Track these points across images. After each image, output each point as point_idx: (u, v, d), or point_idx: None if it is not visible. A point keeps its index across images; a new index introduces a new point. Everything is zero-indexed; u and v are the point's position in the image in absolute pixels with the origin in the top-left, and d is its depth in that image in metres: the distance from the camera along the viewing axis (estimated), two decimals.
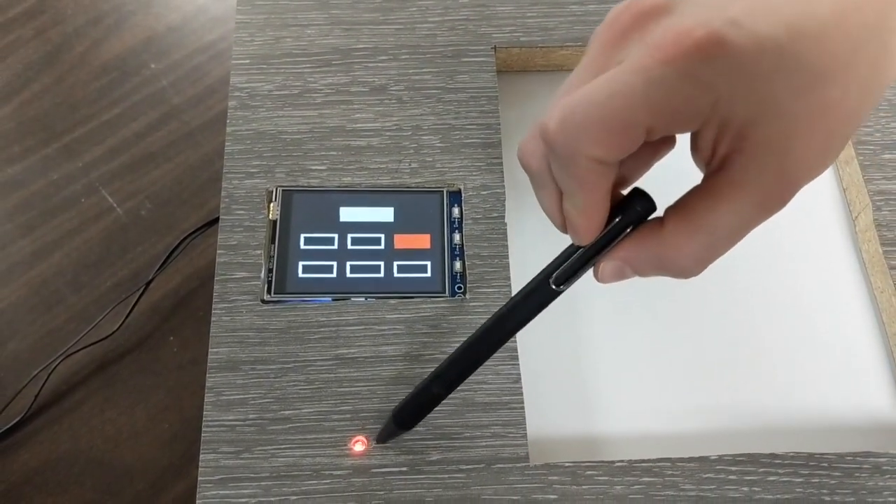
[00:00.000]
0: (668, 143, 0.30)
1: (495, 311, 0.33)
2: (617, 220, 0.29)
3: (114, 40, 0.69)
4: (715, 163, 0.28)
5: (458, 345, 0.39)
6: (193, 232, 0.59)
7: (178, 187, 0.63)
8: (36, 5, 0.71)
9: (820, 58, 0.25)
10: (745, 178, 0.27)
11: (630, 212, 0.29)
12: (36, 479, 0.52)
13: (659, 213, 0.29)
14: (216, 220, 0.51)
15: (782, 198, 0.28)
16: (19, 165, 0.63)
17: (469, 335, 0.34)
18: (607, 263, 0.30)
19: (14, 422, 0.53)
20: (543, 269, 0.32)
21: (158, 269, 0.57)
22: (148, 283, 0.57)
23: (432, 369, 0.36)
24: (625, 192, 0.30)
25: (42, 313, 0.58)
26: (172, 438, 0.54)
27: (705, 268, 0.29)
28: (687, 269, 0.29)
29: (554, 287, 0.31)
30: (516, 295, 0.32)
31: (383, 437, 0.38)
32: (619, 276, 0.30)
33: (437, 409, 0.38)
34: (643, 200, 0.29)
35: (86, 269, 0.60)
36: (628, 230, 0.29)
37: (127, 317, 0.56)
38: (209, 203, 0.61)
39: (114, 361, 0.56)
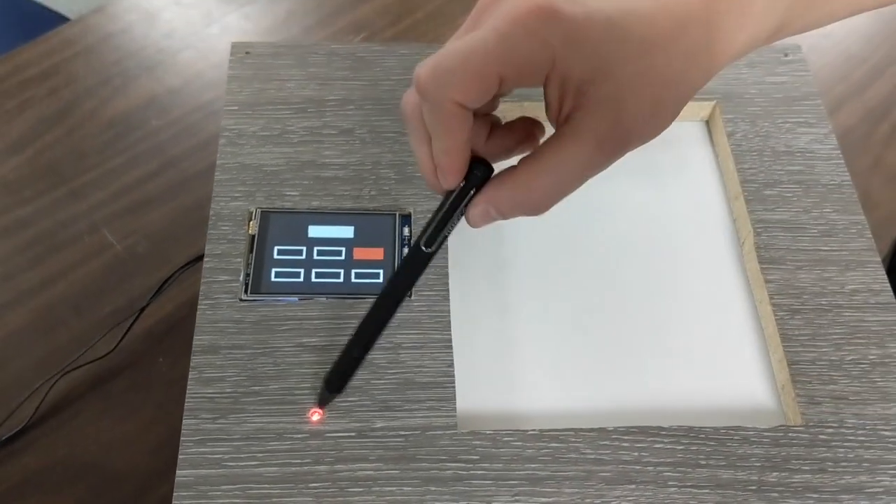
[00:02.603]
0: (529, 139, 0.37)
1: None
2: (462, 184, 0.36)
3: (120, 99, 0.77)
4: (562, 118, 0.34)
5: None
6: (185, 265, 0.66)
7: (172, 227, 0.69)
8: (51, 67, 0.79)
9: (646, 31, 0.32)
10: (584, 127, 0.33)
11: (472, 176, 0.36)
12: (34, 480, 0.57)
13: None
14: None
15: (616, 147, 0.33)
16: (31, 207, 0.70)
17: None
18: (474, 207, 0.36)
19: (17, 429, 0.58)
20: (416, 239, 0.39)
21: (152, 297, 0.63)
22: (142, 309, 0.63)
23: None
24: None
25: (45, 335, 0.63)
26: (159, 447, 0.58)
27: (553, 204, 0.35)
28: (537, 203, 0.35)
29: (425, 249, 0.38)
30: (400, 263, 0.39)
31: (321, 400, 0.45)
32: (486, 217, 0.37)
33: (381, 385, 0.46)
34: (482, 166, 0.36)
35: (86, 298, 0.65)
36: (472, 192, 0.36)
37: (122, 339, 0.62)
38: (200, 241, 0.66)
39: (109, 379, 0.61)
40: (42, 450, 0.59)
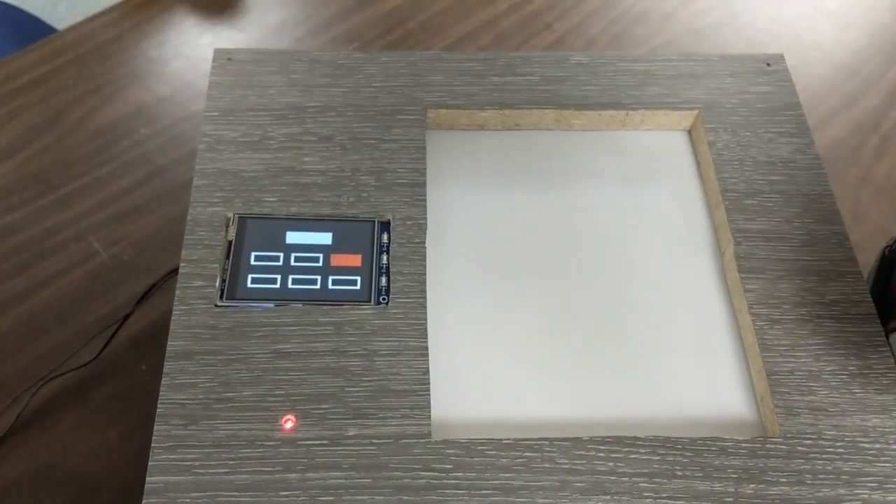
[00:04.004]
0: None
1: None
2: None
3: (109, 108, 0.77)
4: None
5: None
6: (169, 273, 0.66)
7: (158, 236, 0.70)
8: (41, 76, 0.79)
9: None
10: None
11: None
12: (13, 490, 0.57)
13: None
14: None
15: None
16: (17, 214, 0.70)
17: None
18: None
19: None
20: None
21: (136, 304, 0.63)
22: (126, 317, 0.64)
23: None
24: None
25: (29, 342, 0.64)
26: (139, 455, 0.59)
27: None
28: None
29: None
30: None
31: None
32: None
33: (355, 392, 0.46)
34: None
35: (71, 306, 0.66)
36: None
37: (105, 347, 0.62)
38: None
39: (91, 387, 0.62)
40: (21, 458, 0.59)
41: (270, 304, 0.49)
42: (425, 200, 0.53)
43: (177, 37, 0.84)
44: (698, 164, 0.58)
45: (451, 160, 0.57)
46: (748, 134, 0.57)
